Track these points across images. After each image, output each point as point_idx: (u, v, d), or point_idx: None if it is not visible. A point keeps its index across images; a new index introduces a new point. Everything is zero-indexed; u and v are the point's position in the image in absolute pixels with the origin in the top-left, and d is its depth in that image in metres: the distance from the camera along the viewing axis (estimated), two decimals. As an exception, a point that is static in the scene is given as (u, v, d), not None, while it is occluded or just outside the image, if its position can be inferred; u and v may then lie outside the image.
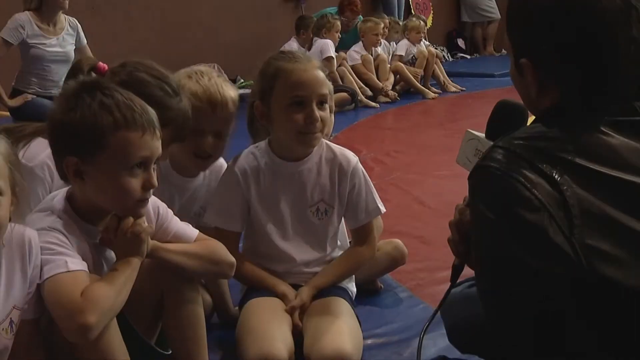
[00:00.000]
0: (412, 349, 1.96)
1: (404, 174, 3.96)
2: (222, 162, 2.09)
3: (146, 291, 1.56)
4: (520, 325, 1.16)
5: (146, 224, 1.53)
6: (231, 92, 1.95)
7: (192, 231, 1.69)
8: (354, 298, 2.02)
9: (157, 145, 1.50)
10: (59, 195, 1.54)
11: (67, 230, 1.46)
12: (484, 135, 1.50)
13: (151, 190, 1.51)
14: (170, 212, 1.68)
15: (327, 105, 1.88)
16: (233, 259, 1.70)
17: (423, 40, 7.24)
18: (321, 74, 1.89)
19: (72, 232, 1.47)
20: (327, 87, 1.90)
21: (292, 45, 6.46)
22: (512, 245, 1.13)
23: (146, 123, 1.47)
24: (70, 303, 1.35)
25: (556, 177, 1.13)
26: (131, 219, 1.50)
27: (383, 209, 2.05)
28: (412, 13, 8.77)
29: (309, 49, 6.30)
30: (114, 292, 1.40)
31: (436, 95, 6.85)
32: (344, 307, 1.88)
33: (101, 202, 1.51)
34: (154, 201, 1.65)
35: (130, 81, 1.67)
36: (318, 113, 1.84)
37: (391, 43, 7.22)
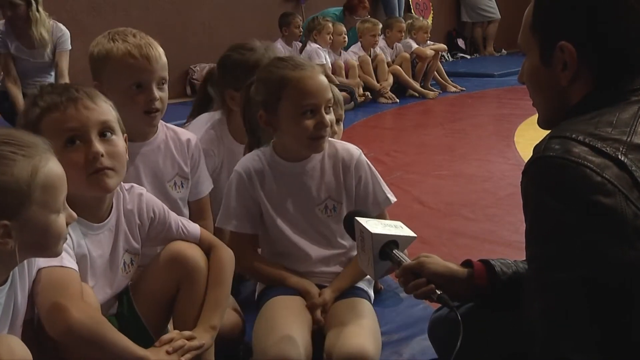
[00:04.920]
0: (412, 349, 1.97)
1: (404, 174, 3.96)
2: (183, 132, 2.07)
3: (161, 286, 1.58)
4: (587, 318, 1.09)
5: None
6: (155, 42, 1.95)
7: (194, 228, 1.73)
8: (372, 302, 2.00)
9: (88, 115, 1.48)
10: None
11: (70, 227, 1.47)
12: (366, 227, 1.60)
13: (106, 160, 1.47)
14: (165, 207, 1.70)
15: (332, 109, 1.89)
16: (231, 252, 1.74)
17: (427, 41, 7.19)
18: (325, 79, 1.90)
19: (73, 227, 1.48)
20: (331, 91, 1.91)
21: (277, 46, 6.46)
22: (591, 233, 1.09)
23: (65, 100, 1.47)
24: (58, 297, 1.36)
25: (622, 158, 1.10)
26: (185, 345, 1.50)
27: (393, 199, 2.03)
28: (411, 13, 8.76)
29: (300, 52, 6.28)
30: (98, 338, 1.38)
31: (436, 94, 6.85)
32: (366, 308, 1.87)
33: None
34: (148, 203, 1.67)
35: None
36: (327, 118, 1.86)
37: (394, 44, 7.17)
